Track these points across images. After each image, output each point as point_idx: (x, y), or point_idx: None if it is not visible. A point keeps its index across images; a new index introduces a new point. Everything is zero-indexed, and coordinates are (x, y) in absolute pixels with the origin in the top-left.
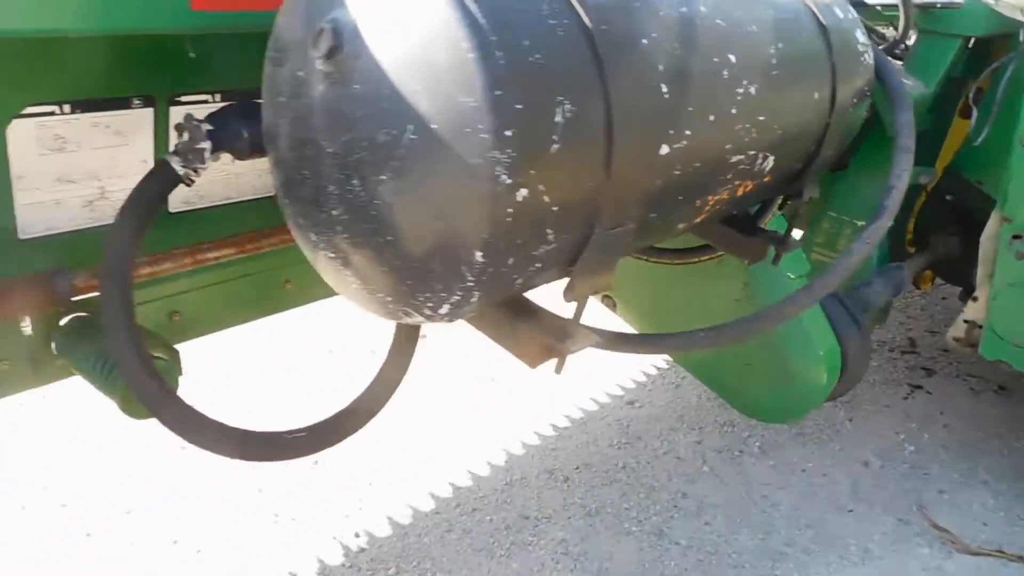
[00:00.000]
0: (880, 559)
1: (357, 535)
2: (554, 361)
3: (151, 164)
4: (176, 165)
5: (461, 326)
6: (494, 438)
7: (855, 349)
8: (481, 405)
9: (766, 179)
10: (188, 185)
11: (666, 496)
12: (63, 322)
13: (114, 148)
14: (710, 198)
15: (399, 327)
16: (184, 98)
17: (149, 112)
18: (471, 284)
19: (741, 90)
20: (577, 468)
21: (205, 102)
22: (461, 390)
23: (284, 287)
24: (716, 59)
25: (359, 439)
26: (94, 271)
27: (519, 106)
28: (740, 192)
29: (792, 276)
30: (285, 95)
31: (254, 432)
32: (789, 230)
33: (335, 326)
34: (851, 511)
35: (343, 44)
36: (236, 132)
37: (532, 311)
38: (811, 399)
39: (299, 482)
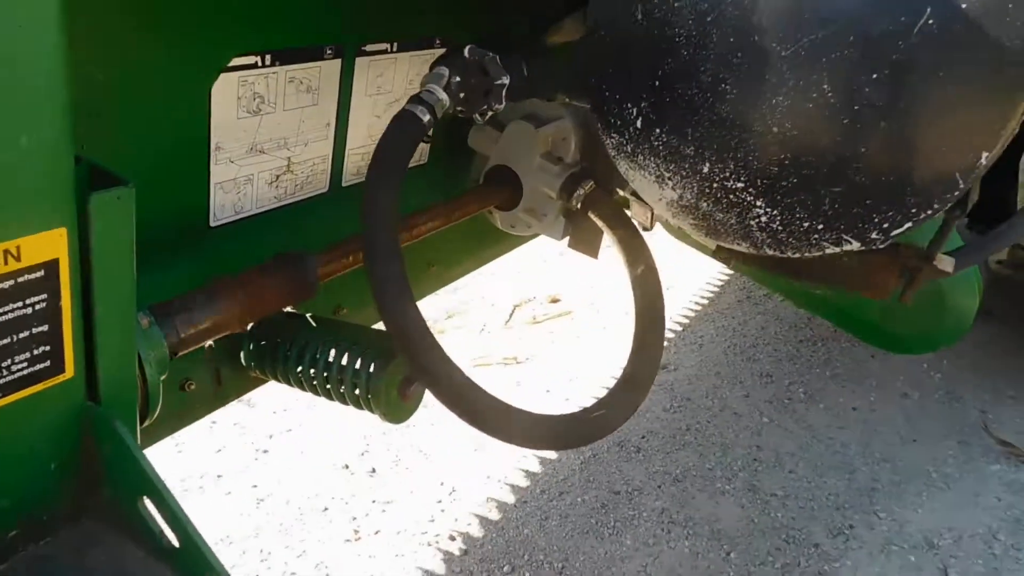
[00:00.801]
0: (961, 480)
1: (452, 538)
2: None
3: (333, 128)
4: (422, 114)
5: None
6: None
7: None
8: (517, 382)
9: None
10: (427, 142)
11: (741, 451)
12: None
13: (303, 109)
14: None
15: (646, 287)
16: (369, 47)
17: (337, 64)
18: (951, 195)
19: None
20: (643, 437)
21: (385, 52)
22: (491, 373)
23: (429, 270)
24: None
25: (399, 445)
26: (330, 254)
27: None
28: None
29: None
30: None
31: (561, 416)
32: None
33: None
34: (915, 441)
35: None
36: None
37: None
38: (964, 323)
39: (362, 494)
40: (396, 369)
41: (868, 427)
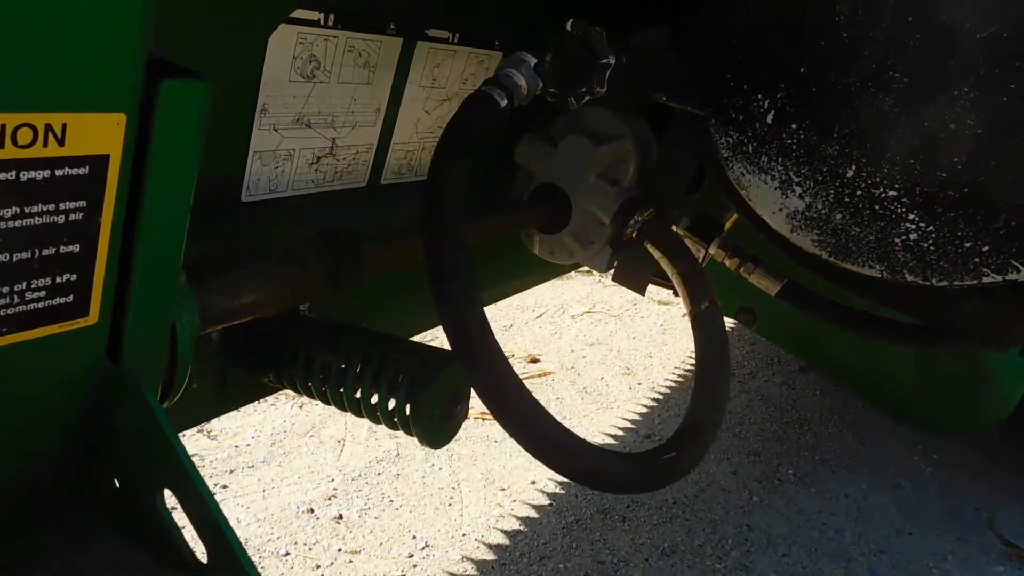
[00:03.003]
0: None
1: None
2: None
3: (383, 114)
4: (500, 97)
5: None
6: (528, 481)
7: None
8: (496, 440)
9: None
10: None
11: (732, 530)
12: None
13: (357, 86)
14: None
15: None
16: (432, 32)
17: (398, 43)
18: None
19: None
20: (628, 507)
21: (446, 41)
22: (466, 428)
23: None
24: None
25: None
26: (378, 239)
27: None
28: None
29: None
30: None
31: (629, 456)
32: None
33: None
34: (911, 533)
35: None
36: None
37: None
38: (1007, 405)
39: (327, 541)
40: (442, 384)
41: (862, 515)
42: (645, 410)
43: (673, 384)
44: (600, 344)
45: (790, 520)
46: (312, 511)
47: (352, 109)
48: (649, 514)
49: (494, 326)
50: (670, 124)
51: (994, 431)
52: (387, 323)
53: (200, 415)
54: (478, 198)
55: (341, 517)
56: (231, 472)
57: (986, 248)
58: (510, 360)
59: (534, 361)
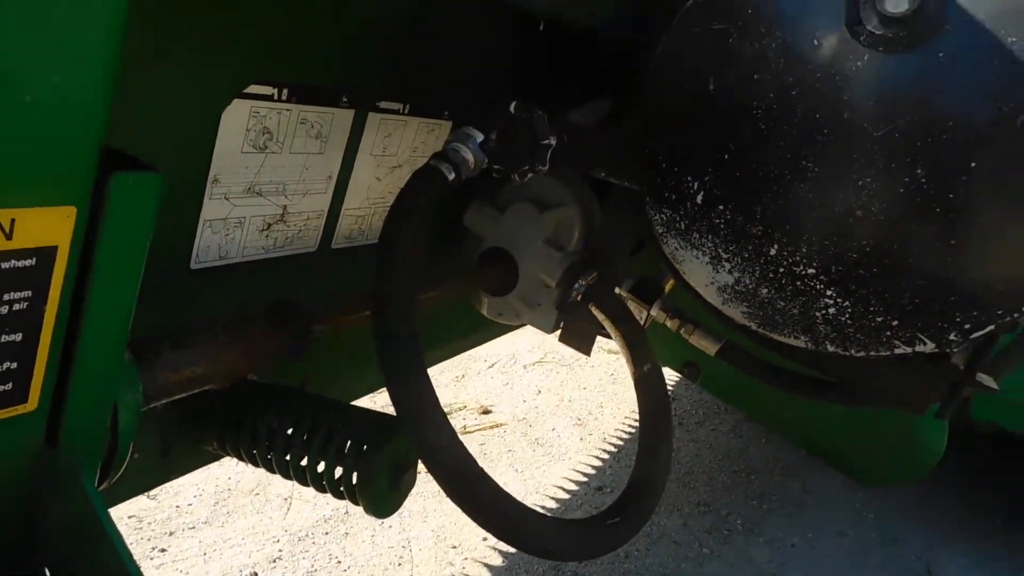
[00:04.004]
0: None
1: None
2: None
3: (334, 182)
4: (447, 171)
5: None
6: (479, 538)
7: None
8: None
9: None
10: (451, 194)
11: None
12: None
13: (309, 156)
14: None
15: (649, 382)
16: (383, 104)
17: (350, 115)
18: None
19: None
20: (581, 563)
21: (397, 112)
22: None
23: None
24: None
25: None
26: (327, 309)
27: None
28: None
29: None
30: (769, 73)
31: (577, 523)
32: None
33: None
34: None
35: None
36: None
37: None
38: (931, 458)
39: None
40: (388, 454)
41: (811, 564)
42: (597, 461)
43: (623, 434)
44: (551, 394)
45: (741, 572)
46: (255, 575)
47: (304, 177)
48: (601, 569)
49: (447, 376)
50: (612, 191)
51: (927, 479)
52: (330, 384)
53: (141, 485)
54: (429, 261)
55: None
56: (171, 534)
57: (895, 323)
58: (463, 411)
59: (486, 412)
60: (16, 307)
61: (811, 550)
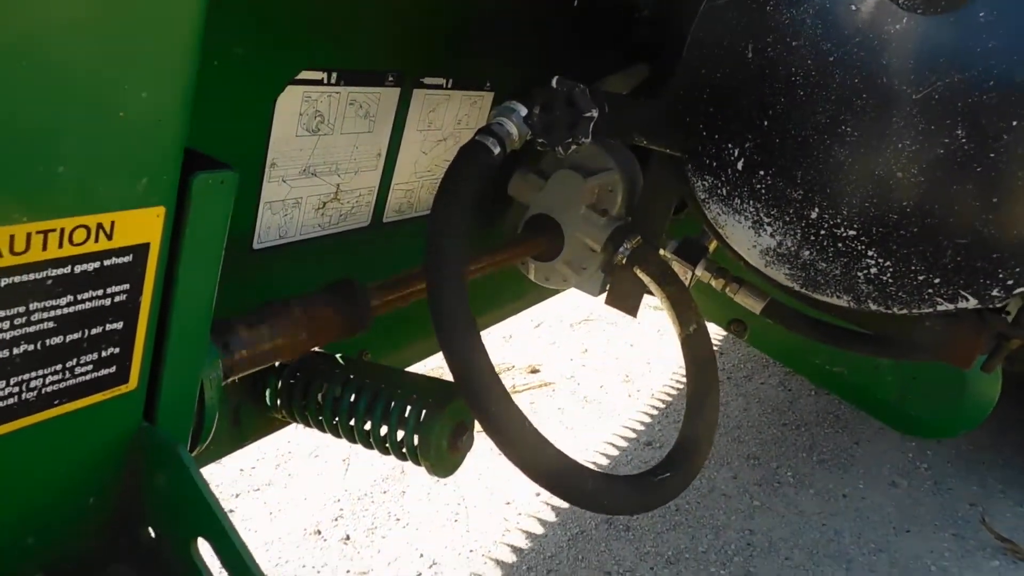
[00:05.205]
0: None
1: None
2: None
3: (383, 159)
4: (492, 145)
5: None
6: (532, 493)
7: None
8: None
9: None
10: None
11: (734, 535)
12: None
13: (359, 135)
14: None
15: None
16: (427, 79)
17: (396, 92)
18: None
19: None
20: (632, 516)
21: (440, 87)
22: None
23: None
24: None
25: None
26: (383, 287)
27: None
28: None
29: None
30: (806, 39)
31: (628, 479)
32: None
33: None
34: (908, 531)
35: None
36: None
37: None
38: (984, 409)
39: (335, 563)
40: (448, 418)
41: (860, 515)
42: (646, 417)
43: (671, 390)
44: (598, 351)
45: (791, 523)
46: (319, 532)
47: (354, 156)
48: (653, 522)
49: (494, 336)
50: (653, 155)
51: (985, 425)
52: (387, 353)
53: (216, 453)
54: (478, 230)
55: (348, 538)
56: (237, 496)
57: (937, 280)
58: (511, 371)
59: (535, 372)
60: (117, 299)
61: (861, 500)
